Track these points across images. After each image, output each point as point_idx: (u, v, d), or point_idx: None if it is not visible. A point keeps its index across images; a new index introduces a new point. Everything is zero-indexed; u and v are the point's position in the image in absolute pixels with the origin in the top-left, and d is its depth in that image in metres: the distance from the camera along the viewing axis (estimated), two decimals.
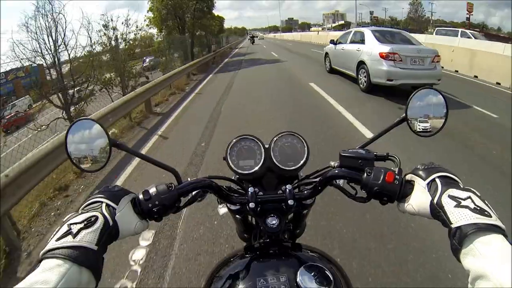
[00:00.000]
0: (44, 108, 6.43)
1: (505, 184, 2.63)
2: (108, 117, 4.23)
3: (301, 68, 10.70)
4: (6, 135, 7.01)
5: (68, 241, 0.40)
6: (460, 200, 0.43)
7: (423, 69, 5.66)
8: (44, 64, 5.99)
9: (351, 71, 6.90)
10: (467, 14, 38.16)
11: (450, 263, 1.72)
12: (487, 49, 8.33)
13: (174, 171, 0.60)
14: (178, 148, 3.98)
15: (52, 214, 2.77)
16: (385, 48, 5.66)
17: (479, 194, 0.44)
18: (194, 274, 1.79)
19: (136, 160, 3.47)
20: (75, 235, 0.41)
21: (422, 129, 0.60)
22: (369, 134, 3.82)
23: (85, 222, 0.43)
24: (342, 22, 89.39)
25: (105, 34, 7.21)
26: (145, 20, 13.80)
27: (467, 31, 14.21)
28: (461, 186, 0.46)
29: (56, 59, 5.83)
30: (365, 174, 0.53)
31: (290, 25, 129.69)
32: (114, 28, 7.32)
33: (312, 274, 0.51)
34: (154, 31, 14.19)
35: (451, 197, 0.44)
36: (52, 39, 5.67)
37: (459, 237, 0.40)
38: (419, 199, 0.49)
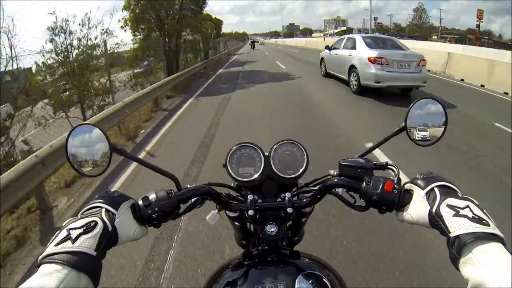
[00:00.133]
0: None
1: None
2: None
3: (325, 90, 7.42)
4: None
5: (67, 246, 0.40)
6: (458, 209, 0.43)
7: (409, 72, 6.08)
8: None
9: (344, 75, 7.24)
10: (477, 21, 36.12)
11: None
12: None
13: (174, 178, 0.60)
14: None
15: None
16: (373, 53, 6.08)
17: (477, 203, 0.44)
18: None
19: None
20: (74, 240, 0.41)
21: (421, 137, 0.60)
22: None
23: (85, 227, 0.43)
24: (344, 28, 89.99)
25: (52, 40, 5.53)
26: (119, 21, 10.28)
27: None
28: (460, 195, 0.46)
29: None
30: (364, 183, 0.53)
31: (292, 31, 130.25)
32: (65, 31, 5.65)
33: (310, 282, 0.51)
34: (129, 34, 10.57)
35: (450, 206, 0.44)
36: None
37: (458, 246, 0.40)
38: (417, 208, 0.49)
